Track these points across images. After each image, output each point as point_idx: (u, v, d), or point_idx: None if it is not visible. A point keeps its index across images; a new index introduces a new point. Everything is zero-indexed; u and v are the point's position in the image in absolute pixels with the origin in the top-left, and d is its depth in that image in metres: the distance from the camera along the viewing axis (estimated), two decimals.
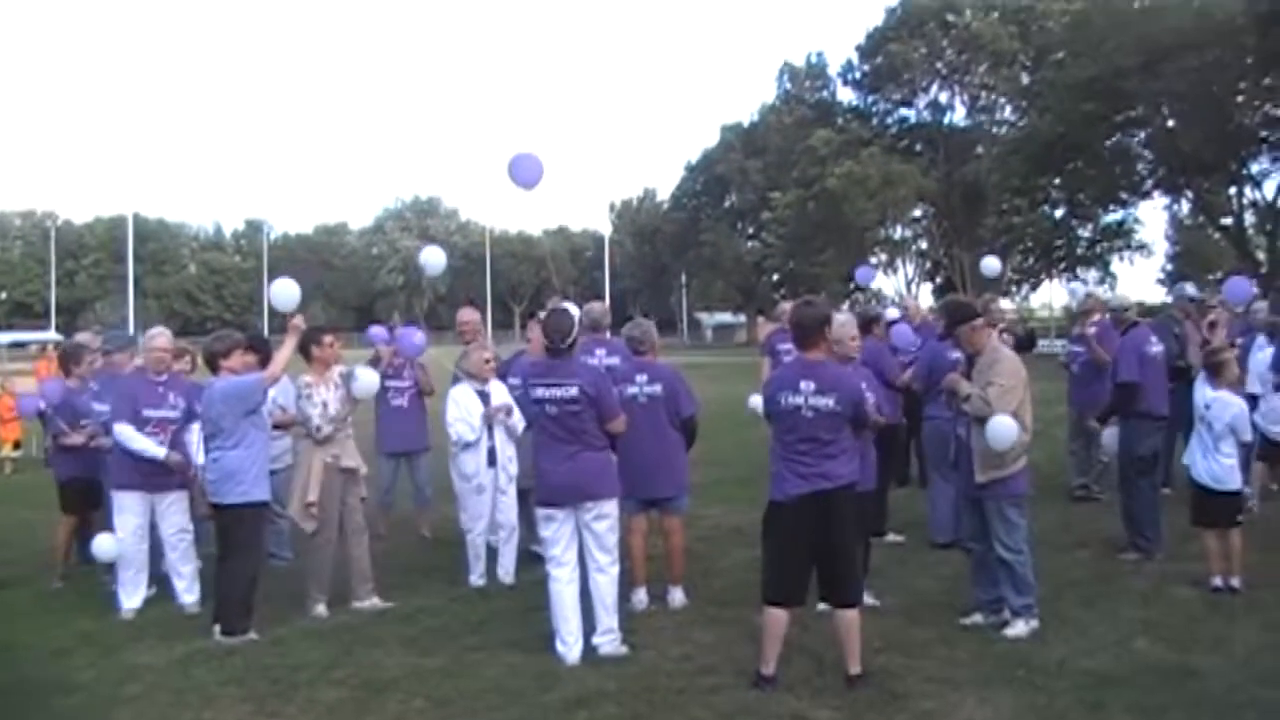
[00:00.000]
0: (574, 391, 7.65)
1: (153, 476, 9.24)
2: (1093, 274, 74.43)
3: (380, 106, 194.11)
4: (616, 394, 8.15)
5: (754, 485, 8.35)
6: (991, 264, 16.66)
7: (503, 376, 10.22)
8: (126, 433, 9.14)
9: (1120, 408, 10.78)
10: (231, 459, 8.40)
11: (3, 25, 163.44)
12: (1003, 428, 7.71)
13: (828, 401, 6.88)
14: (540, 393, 7.74)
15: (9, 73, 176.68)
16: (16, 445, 20.14)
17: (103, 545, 9.11)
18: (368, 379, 9.41)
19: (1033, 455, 8.32)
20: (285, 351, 8.69)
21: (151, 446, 9.13)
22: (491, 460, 9.77)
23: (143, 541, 9.33)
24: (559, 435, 7.71)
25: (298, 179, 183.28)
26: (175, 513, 9.42)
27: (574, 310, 8.26)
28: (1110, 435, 8.20)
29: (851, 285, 76.53)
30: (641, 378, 8.92)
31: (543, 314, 8.48)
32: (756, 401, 7.95)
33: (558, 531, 7.79)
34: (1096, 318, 13.46)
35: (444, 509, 11.79)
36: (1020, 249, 72.25)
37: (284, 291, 8.81)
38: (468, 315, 11.27)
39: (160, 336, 9.67)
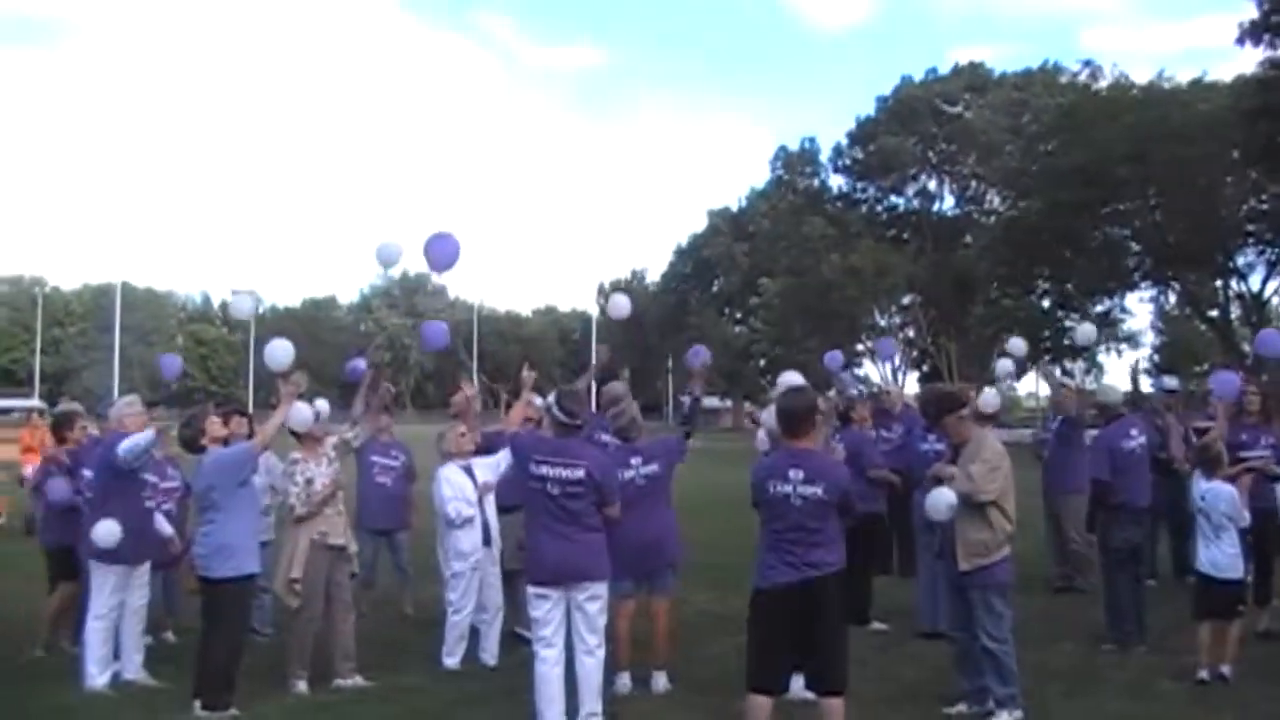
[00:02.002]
0: (580, 473, 7.66)
1: (137, 546, 9.17)
2: (1079, 365, 74.71)
3: (371, 179, 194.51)
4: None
5: (740, 570, 8.34)
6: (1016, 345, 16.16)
7: (487, 450, 10.18)
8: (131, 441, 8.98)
9: (1099, 500, 10.90)
10: (224, 532, 8.37)
11: None
12: (941, 497, 7.82)
13: (816, 490, 6.91)
14: (544, 470, 7.70)
15: None
16: None
17: (106, 531, 8.82)
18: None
19: (1015, 545, 8.32)
20: (279, 415, 8.67)
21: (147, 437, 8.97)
22: (487, 539, 9.76)
23: (116, 615, 9.21)
24: (558, 515, 7.68)
25: (287, 250, 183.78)
26: (144, 584, 9.41)
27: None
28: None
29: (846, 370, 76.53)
30: (635, 460, 8.91)
31: (552, 394, 8.41)
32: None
33: (550, 612, 7.73)
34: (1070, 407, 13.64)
35: (424, 588, 11.77)
36: (1007, 338, 72.35)
37: (278, 350, 8.80)
38: (458, 394, 11.28)
39: (135, 404, 9.68)
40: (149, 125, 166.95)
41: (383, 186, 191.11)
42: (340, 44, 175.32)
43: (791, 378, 8.61)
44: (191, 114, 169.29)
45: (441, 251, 9.88)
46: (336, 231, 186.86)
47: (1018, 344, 14.74)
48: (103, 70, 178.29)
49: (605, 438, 9.45)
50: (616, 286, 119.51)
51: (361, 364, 11.88)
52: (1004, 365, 13.90)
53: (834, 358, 15.44)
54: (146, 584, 9.46)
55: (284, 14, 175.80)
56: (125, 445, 8.78)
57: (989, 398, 10.73)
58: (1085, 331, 16.95)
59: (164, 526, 9.75)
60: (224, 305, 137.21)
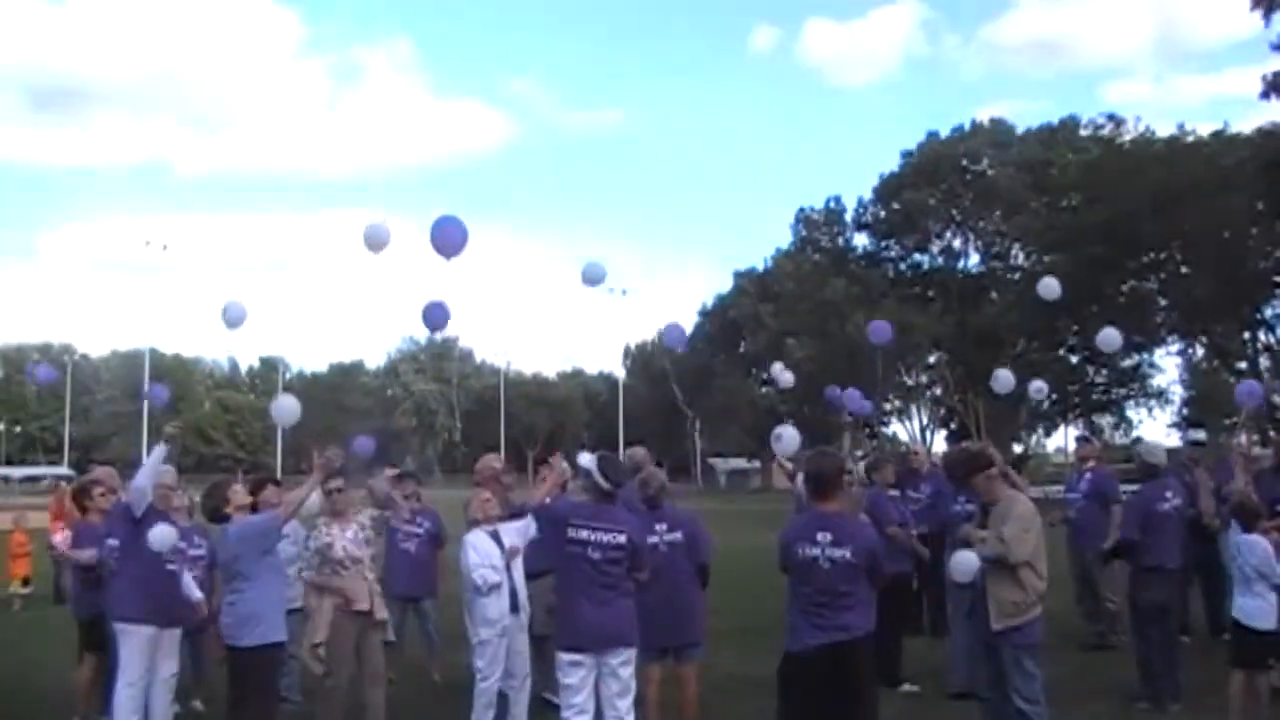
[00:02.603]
0: (622, 539, 7.66)
1: (163, 609, 9.16)
2: (1108, 419, 74.54)
3: (396, 243, 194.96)
4: None
5: (769, 634, 8.29)
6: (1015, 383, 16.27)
7: (516, 516, 10.15)
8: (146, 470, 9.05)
9: (1124, 556, 10.86)
10: (249, 601, 8.38)
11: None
12: (965, 560, 7.80)
13: (844, 553, 6.89)
14: (584, 535, 7.66)
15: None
16: (25, 582, 20.12)
17: (163, 535, 8.71)
18: (161, 536, 8.80)
19: (1046, 603, 8.28)
20: (307, 487, 8.68)
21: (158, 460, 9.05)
22: (515, 605, 9.71)
23: (145, 682, 9.13)
24: (596, 580, 7.64)
25: (314, 315, 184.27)
26: (172, 653, 9.35)
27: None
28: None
29: (866, 431, 76.49)
30: (661, 526, 8.92)
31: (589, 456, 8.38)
32: (783, 434, 7.97)
33: (584, 679, 7.67)
34: (1092, 464, 13.58)
35: (453, 654, 11.73)
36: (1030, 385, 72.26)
37: (285, 406, 8.83)
38: (483, 462, 11.24)
39: (167, 474, 9.71)
40: (174, 192, 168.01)
41: (408, 250, 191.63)
42: (360, 110, 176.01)
43: (789, 432, 8.62)
44: (218, 184, 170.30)
45: (448, 236, 9.89)
46: (363, 297, 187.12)
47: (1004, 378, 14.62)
48: (127, 135, 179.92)
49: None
50: (643, 348, 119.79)
51: (369, 443, 11.94)
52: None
53: (833, 393, 15.41)
54: (175, 653, 9.42)
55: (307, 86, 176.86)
56: (156, 537, 8.79)
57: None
58: (1003, 379, 16.93)
59: (192, 589, 9.73)
60: (250, 371, 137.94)
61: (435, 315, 10.68)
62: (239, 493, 9.13)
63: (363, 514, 9.36)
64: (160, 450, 9.01)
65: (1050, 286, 16.70)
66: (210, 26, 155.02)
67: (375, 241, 10.34)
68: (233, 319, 10.50)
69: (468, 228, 10.17)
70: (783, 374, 15.09)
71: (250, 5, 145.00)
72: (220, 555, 8.77)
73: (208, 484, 9.39)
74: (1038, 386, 17.84)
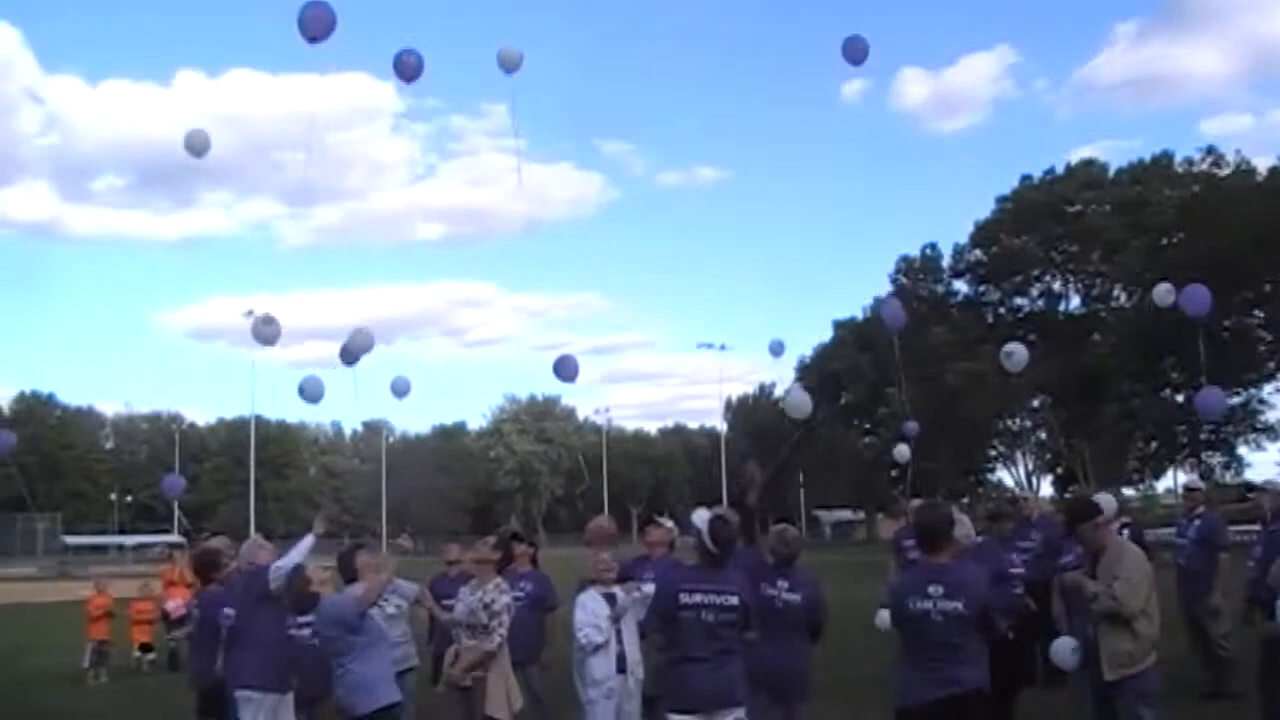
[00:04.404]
0: (735, 601, 7.61)
1: (283, 675, 9.26)
2: (1218, 458, 73.25)
3: (494, 302, 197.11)
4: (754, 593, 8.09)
5: (872, 684, 8.22)
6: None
7: (625, 578, 10.18)
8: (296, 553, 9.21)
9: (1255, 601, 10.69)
10: (357, 672, 8.50)
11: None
12: (1065, 646, 7.75)
13: (956, 605, 6.84)
14: (697, 599, 7.61)
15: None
16: (145, 648, 20.43)
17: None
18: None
19: (1160, 651, 8.16)
20: (383, 576, 8.84)
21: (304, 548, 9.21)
22: (621, 666, 9.71)
23: None
24: (709, 643, 7.59)
25: (416, 377, 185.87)
26: (287, 716, 9.45)
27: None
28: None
29: (971, 479, 75.75)
30: (783, 583, 8.88)
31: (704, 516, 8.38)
32: (884, 617, 7.91)
33: None
34: (1201, 509, 13.37)
35: (565, 715, 11.72)
36: (1141, 436, 71.43)
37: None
38: (595, 523, 11.25)
39: (264, 549, 9.85)
40: (276, 264, 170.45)
41: (506, 308, 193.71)
42: (457, 177, 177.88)
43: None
44: (318, 255, 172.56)
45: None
46: (464, 356, 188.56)
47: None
48: (231, 210, 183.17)
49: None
50: (744, 402, 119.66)
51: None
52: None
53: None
54: (292, 718, 9.53)
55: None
56: (276, 564, 8.95)
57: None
58: (900, 451, 16.90)
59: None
60: (354, 435, 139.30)
61: (566, 367, 10.91)
62: (317, 573, 9.26)
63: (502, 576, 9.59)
64: (311, 539, 9.19)
65: (1017, 356, 16.68)
66: (310, 102, 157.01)
67: (314, 393, 10.77)
68: (311, 394, 10.79)
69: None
70: (902, 451, 15.11)
71: (350, 81, 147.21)
72: (317, 629, 8.92)
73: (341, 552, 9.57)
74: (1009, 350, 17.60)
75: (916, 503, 12.95)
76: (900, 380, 50.78)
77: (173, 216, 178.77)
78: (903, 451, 17.88)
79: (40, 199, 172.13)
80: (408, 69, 13.62)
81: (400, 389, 11.82)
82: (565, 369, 11.11)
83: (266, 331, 12.49)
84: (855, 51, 15.23)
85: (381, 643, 8.96)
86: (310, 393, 11.84)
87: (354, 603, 8.81)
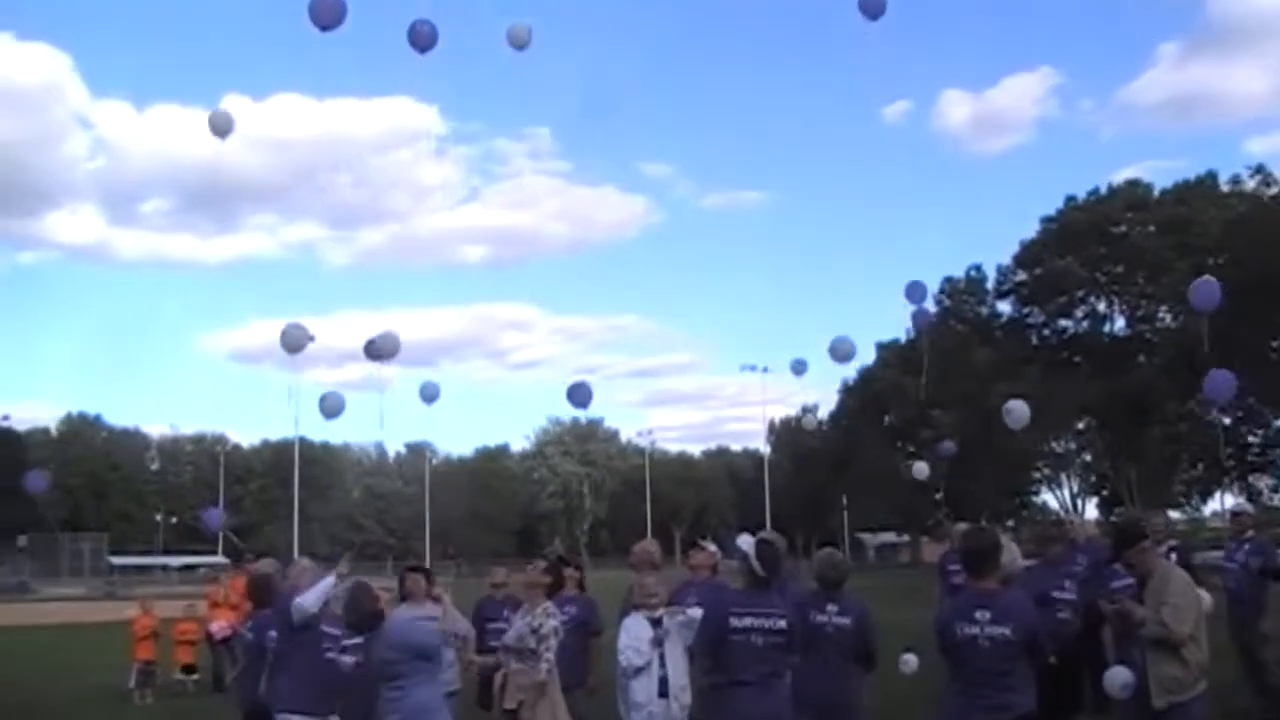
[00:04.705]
0: (783, 624, 7.61)
1: (324, 699, 9.27)
2: (1265, 481, 72.64)
3: (536, 324, 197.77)
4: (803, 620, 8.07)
5: (923, 714, 8.17)
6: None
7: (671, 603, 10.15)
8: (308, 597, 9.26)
9: None
10: (418, 696, 8.54)
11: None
12: (1117, 677, 7.70)
13: (1004, 631, 6.80)
14: (747, 622, 7.61)
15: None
16: (188, 669, 20.52)
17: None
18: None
19: (1210, 677, 8.08)
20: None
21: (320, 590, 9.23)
22: (664, 690, 9.67)
23: None
24: (756, 667, 7.58)
25: (458, 399, 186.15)
26: None
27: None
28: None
29: (1015, 501, 75.32)
30: (832, 607, 8.86)
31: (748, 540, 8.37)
32: (911, 662, 7.91)
33: None
34: (1250, 533, 13.24)
35: None
36: (1188, 458, 70.96)
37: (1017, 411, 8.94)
38: (640, 547, 11.22)
39: (309, 572, 9.88)
40: (319, 286, 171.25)
41: (547, 330, 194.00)
42: (501, 200, 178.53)
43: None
44: (362, 277, 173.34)
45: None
46: (507, 381, 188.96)
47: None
48: (275, 233, 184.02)
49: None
50: (787, 424, 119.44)
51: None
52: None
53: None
54: None
55: None
56: (296, 601, 8.96)
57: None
58: (919, 468, 16.70)
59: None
60: (398, 457, 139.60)
61: (580, 394, 10.96)
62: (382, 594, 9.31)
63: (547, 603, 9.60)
64: (332, 580, 9.20)
65: (1017, 413, 16.63)
66: (354, 125, 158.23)
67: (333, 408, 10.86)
68: (330, 409, 10.89)
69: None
70: (921, 469, 15.22)
71: (392, 104, 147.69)
72: (374, 652, 8.91)
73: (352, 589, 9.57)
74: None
75: (961, 526, 12.91)
76: (925, 372, 50.58)
77: (218, 240, 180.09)
78: (921, 469, 17.87)
79: (88, 222, 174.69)
80: (421, 39, 13.79)
81: (333, 409, 11.88)
82: (578, 396, 11.15)
83: (295, 336, 12.50)
84: (871, 4, 15.26)
85: (440, 668, 9.00)
86: (329, 407, 11.95)
87: (438, 635, 8.89)
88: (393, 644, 8.69)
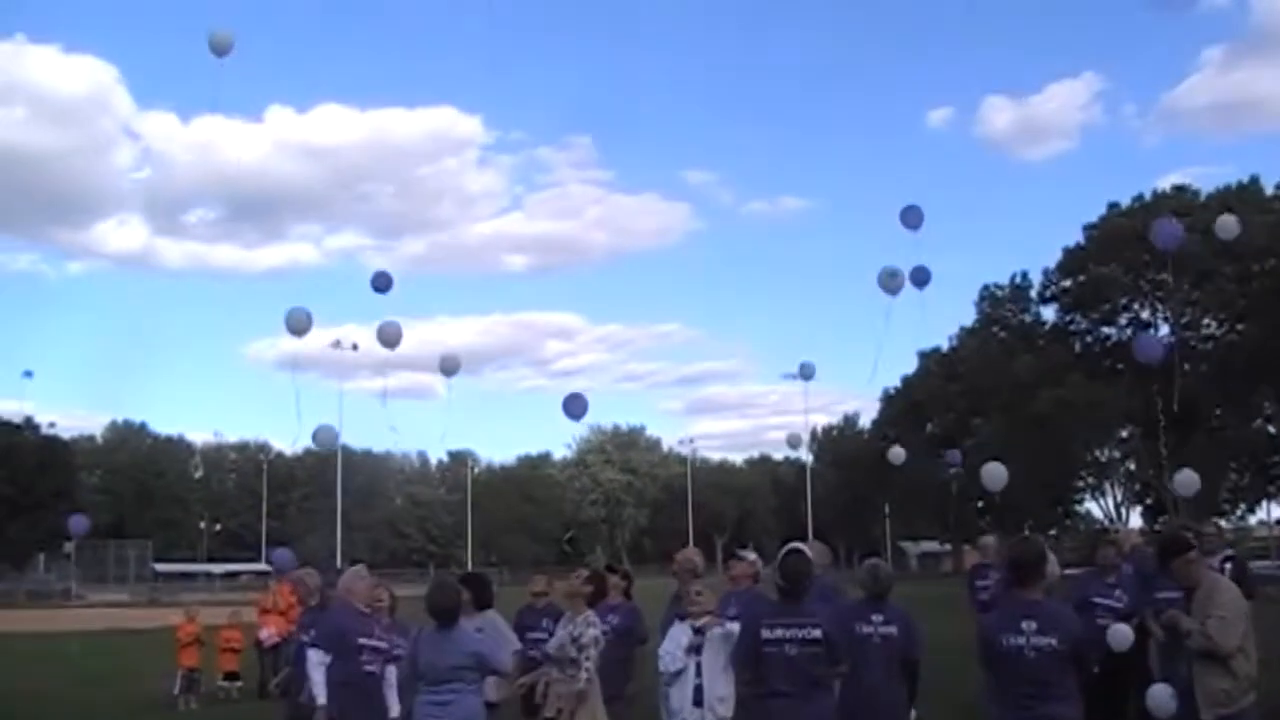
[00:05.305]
0: (817, 633, 7.59)
1: (359, 709, 9.30)
2: None
3: (579, 332, 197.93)
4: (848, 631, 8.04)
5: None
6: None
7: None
8: (315, 658, 9.33)
9: None
10: (469, 704, 8.51)
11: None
12: (1162, 694, 7.64)
13: (1050, 641, 6.73)
14: (779, 633, 7.62)
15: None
16: (231, 676, 20.63)
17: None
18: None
19: (1260, 690, 8.00)
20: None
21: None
22: (698, 699, 9.63)
23: None
24: (793, 677, 7.58)
25: (501, 407, 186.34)
26: None
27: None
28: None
29: (1059, 510, 74.82)
30: (877, 617, 8.81)
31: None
32: None
33: None
34: None
35: None
36: (1234, 467, 70.37)
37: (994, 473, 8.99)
38: (683, 555, 11.18)
39: (363, 580, 9.91)
40: (362, 295, 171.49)
41: (589, 339, 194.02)
42: (543, 208, 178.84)
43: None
44: (404, 285, 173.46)
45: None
46: (550, 389, 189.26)
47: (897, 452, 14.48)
48: (319, 241, 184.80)
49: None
50: (829, 433, 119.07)
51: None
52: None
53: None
54: None
55: None
56: (310, 688, 9.33)
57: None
58: (895, 453, 16.37)
59: (393, 704, 9.79)
60: (440, 465, 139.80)
61: (575, 406, 11.00)
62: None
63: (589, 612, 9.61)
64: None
65: (995, 475, 16.56)
66: (397, 134, 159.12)
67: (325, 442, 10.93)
68: (322, 442, 11.01)
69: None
70: (897, 453, 15.09)
71: (436, 114, 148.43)
72: (443, 658, 8.86)
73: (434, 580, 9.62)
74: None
75: (988, 539, 12.85)
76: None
77: (262, 249, 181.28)
78: (897, 453, 17.62)
79: (134, 232, 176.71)
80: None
81: (325, 442, 12.12)
82: (574, 407, 11.18)
83: (297, 318, 12.74)
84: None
85: (477, 676, 9.01)
86: (322, 441, 12.09)
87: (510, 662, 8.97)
88: (462, 651, 8.65)
